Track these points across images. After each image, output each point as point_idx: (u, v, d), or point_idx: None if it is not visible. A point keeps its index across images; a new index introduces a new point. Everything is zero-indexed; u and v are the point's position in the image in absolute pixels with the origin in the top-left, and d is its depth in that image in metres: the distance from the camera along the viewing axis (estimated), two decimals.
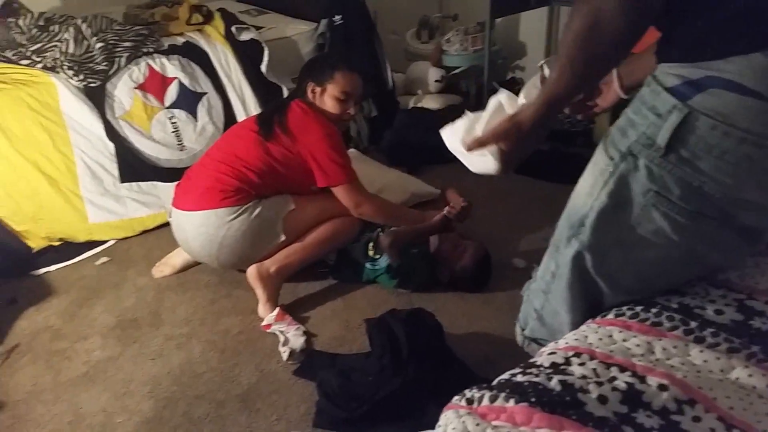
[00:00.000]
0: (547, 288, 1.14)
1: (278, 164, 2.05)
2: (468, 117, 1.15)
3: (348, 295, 2.10)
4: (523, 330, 1.19)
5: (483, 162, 1.10)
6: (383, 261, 2.10)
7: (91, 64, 2.51)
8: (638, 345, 0.99)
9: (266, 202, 2.04)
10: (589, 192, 1.02)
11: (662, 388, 0.89)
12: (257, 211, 2.01)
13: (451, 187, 2.41)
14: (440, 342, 1.76)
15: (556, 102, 1.00)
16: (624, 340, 1.00)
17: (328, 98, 2.12)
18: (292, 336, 1.86)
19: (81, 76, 2.47)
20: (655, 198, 0.95)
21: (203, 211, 1.99)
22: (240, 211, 1.98)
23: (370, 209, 2.12)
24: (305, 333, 1.89)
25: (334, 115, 2.13)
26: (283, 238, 2.05)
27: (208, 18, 2.83)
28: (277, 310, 1.96)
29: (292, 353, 1.80)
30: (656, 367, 0.92)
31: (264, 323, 1.94)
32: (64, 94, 2.45)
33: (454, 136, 1.14)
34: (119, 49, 2.56)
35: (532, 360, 1.00)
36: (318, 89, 2.13)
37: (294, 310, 2.02)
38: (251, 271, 2.01)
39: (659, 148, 0.92)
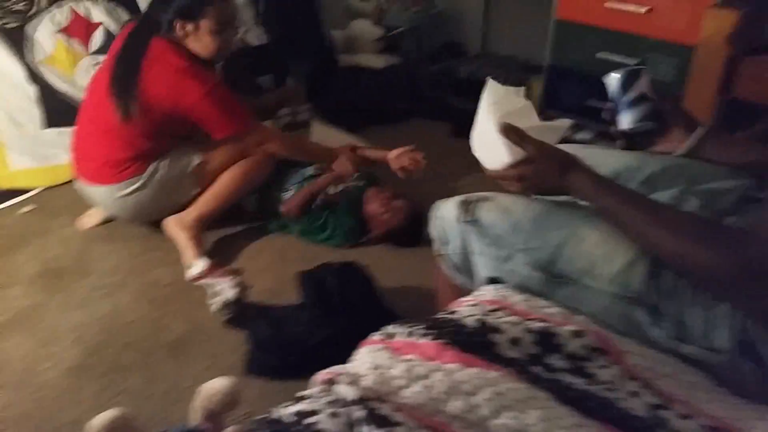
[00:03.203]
0: (483, 251, 1.07)
1: (165, 125, 1.94)
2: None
3: (282, 248, 2.11)
4: (444, 244, 1.12)
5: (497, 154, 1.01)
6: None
7: (7, 4, 2.36)
8: (560, 311, 1.00)
9: (165, 162, 1.98)
10: (598, 273, 0.97)
11: (577, 334, 0.92)
12: (158, 175, 1.98)
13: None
14: (372, 294, 1.80)
15: (586, 199, 0.98)
16: (547, 307, 1.01)
17: (204, 35, 1.90)
18: (225, 287, 1.86)
19: None
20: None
21: (104, 187, 1.98)
22: (140, 181, 1.96)
23: (275, 146, 2.08)
24: (239, 284, 1.90)
25: (213, 50, 1.93)
26: (196, 190, 2.04)
27: None
28: (208, 263, 1.94)
29: (224, 304, 1.80)
30: (575, 319, 0.97)
31: (194, 274, 1.92)
32: None
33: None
34: None
35: (452, 308, 1.03)
36: (190, 26, 1.88)
37: (228, 263, 2.03)
38: (169, 222, 2.01)
39: (676, 349, 0.93)
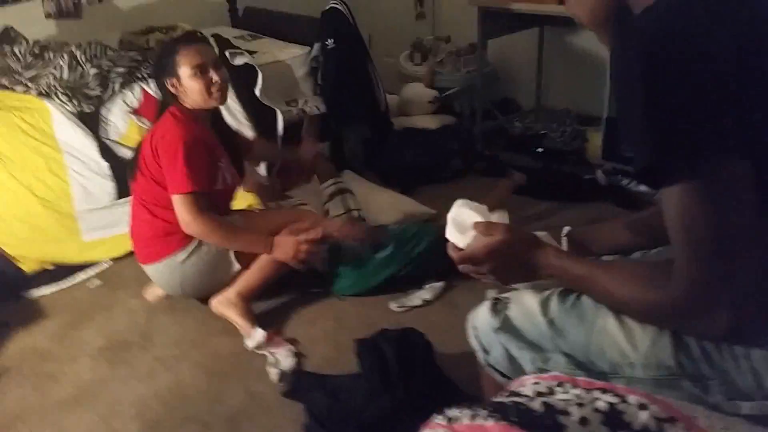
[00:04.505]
0: (522, 355, 1.06)
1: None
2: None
3: (339, 315, 2.09)
4: (486, 353, 1.11)
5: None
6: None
7: (85, 90, 2.54)
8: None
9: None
10: (632, 362, 0.96)
11: (642, 407, 0.87)
12: (201, 251, 2.00)
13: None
14: (430, 361, 1.75)
15: (554, 273, 1.00)
16: None
17: (187, 83, 1.96)
18: (282, 357, 1.85)
19: (75, 102, 2.50)
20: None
21: (152, 265, 2.04)
22: (189, 252, 1.99)
23: (200, 229, 1.93)
24: (295, 354, 1.88)
25: (201, 92, 1.97)
26: (238, 267, 2.05)
27: None
28: (264, 333, 1.94)
29: (281, 375, 1.79)
30: (637, 389, 0.92)
31: (251, 346, 1.93)
32: (58, 119, 2.48)
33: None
34: (113, 74, 2.59)
35: (516, 389, 0.98)
36: (175, 81, 1.98)
37: (284, 331, 2.02)
38: (213, 304, 2.04)
39: (738, 411, 0.88)
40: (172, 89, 2.00)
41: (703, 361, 0.90)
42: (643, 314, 0.93)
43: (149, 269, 2.07)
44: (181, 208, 1.92)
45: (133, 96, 2.61)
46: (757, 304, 0.81)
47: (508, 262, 1.02)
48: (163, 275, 2.05)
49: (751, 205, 0.78)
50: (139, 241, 2.08)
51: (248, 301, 2.05)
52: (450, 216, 1.10)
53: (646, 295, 0.88)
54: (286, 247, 1.99)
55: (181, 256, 1.99)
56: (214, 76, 1.99)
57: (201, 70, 1.96)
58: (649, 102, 0.79)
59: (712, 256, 0.79)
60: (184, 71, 1.96)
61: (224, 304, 2.03)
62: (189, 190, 1.90)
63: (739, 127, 0.77)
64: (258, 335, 1.93)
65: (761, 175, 0.78)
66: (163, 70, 2.00)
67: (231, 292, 2.03)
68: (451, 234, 1.09)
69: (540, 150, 3.11)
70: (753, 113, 0.78)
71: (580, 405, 0.89)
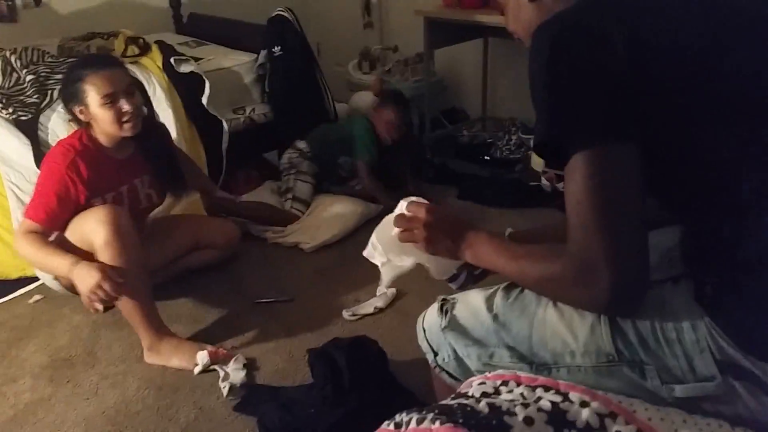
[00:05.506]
0: (469, 353, 1.08)
1: None
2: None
3: (291, 325, 2.08)
4: (435, 354, 1.14)
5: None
6: None
7: (21, 97, 2.45)
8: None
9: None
10: (572, 350, 0.99)
11: (584, 404, 0.90)
12: None
13: None
14: (384, 370, 1.76)
15: (474, 243, 1.05)
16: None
17: (96, 111, 1.87)
18: (232, 370, 1.82)
19: (10, 109, 2.41)
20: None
21: None
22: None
23: (18, 249, 1.88)
24: (246, 366, 1.86)
25: (113, 122, 1.88)
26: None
27: (144, 50, 2.81)
28: (206, 352, 1.86)
29: (232, 388, 1.76)
30: (578, 385, 0.95)
31: (199, 370, 1.84)
32: None
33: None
34: (51, 81, 2.51)
35: (463, 390, 1.01)
36: (83, 109, 1.89)
37: (236, 344, 1.99)
38: (147, 362, 1.92)
39: (671, 394, 0.91)
40: (80, 116, 1.90)
41: (639, 347, 0.93)
42: (546, 288, 0.97)
43: None
44: (17, 228, 1.92)
45: None
46: (635, 278, 0.87)
47: (442, 223, 1.08)
48: None
49: (636, 185, 0.86)
50: None
51: (164, 335, 1.91)
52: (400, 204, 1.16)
53: (548, 267, 0.93)
54: (85, 275, 1.72)
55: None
56: (125, 106, 1.88)
57: (111, 99, 1.86)
58: (550, 84, 0.89)
59: (595, 224, 0.85)
60: (93, 99, 1.86)
61: (153, 357, 1.91)
62: (26, 215, 1.89)
63: (627, 112, 0.86)
64: (200, 358, 1.85)
65: (647, 158, 0.85)
66: (68, 98, 1.90)
67: (146, 343, 1.90)
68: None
69: (487, 158, 3.18)
70: (641, 101, 0.86)
71: (525, 405, 0.91)
